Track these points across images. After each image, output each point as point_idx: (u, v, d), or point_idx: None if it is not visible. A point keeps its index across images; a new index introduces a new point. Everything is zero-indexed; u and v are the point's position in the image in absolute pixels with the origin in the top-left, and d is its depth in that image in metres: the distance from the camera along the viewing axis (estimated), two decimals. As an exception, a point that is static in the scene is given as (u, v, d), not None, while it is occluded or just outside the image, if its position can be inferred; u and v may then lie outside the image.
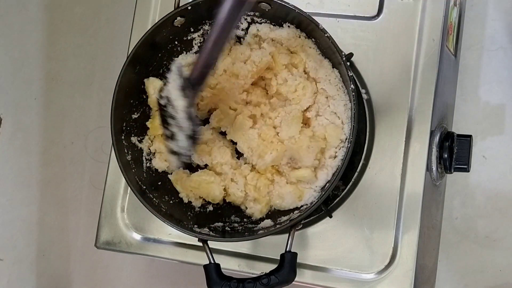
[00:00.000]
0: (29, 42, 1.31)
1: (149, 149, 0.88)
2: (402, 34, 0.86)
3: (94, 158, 1.24)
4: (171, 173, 0.88)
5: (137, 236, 0.92)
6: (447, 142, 0.86)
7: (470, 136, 0.88)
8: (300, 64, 0.85)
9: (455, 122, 1.04)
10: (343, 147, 0.82)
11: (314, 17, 0.80)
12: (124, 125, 0.86)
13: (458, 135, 0.88)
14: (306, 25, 0.83)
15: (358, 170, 0.85)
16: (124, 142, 0.85)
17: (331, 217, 0.85)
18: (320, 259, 0.85)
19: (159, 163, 0.88)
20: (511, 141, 1.04)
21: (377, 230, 0.83)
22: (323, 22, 0.80)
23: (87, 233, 1.20)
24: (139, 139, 0.88)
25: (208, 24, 0.87)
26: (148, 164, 0.88)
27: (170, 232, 0.91)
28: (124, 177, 0.82)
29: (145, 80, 0.88)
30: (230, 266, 0.88)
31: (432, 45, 0.85)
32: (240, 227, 0.85)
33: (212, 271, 0.79)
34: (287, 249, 0.78)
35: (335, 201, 0.86)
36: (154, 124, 0.88)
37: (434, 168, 0.85)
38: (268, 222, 0.84)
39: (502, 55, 1.06)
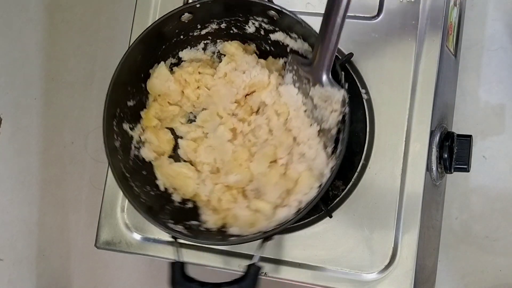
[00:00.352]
0: (29, 42, 1.31)
1: (140, 137, 0.88)
2: (402, 34, 0.86)
3: (94, 158, 1.24)
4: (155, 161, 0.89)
5: (137, 236, 0.92)
6: (447, 142, 0.86)
7: (470, 136, 0.88)
8: (283, 115, 0.85)
9: (455, 122, 1.04)
10: (315, 192, 0.81)
11: (314, 17, 0.80)
12: (118, 111, 0.85)
13: (458, 135, 0.88)
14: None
15: (358, 170, 0.85)
16: (115, 127, 0.85)
17: (331, 217, 0.85)
18: (320, 259, 0.85)
19: (147, 153, 0.88)
20: (511, 141, 1.04)
21: (377, 230, 0.83)
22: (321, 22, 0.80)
23: (87, 233, 1.20)
24: (131, 126, 0.88)
25: (215, 23, 0.87)
26: (136, 152, 0.88)
27: (170, 232, 0.91)
28: (108, 162, 0.82)
29: (156, 65, 0.88)
30: (230, 266, 0.88)
31: (432, 45, 0.85)
32: (215, 230, 0.85)
33: (178, 270, 0.80)
34: (254, 262, 0.78)
35: (335, 201, 0.86)
36: (148, 115, 0.88)
37: (434, 168, 0.85)
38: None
39: (502, 55, 1.06)
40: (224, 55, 0.91)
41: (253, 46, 0.90)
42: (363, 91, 0.86)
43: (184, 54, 0.90)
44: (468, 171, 0.88)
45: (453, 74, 1.00)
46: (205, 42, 0.90)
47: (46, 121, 1.28)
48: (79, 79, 1.28)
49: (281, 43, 0.87)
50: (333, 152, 0.81)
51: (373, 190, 0.84)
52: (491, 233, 1.03)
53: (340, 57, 0.87)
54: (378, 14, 0.88)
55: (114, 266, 1.21)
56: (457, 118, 1.05)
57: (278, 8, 0.81)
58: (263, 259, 0.87)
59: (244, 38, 0.90)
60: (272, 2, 0.82)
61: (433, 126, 0.85)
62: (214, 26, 0.88)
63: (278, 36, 0.86)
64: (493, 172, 1.04)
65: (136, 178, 0.85)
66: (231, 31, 0.88)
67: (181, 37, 0.88)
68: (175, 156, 0.91)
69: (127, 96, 0.87)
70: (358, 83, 0.87)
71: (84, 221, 1.23)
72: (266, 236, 0.79)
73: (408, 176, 0.83)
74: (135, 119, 0.88)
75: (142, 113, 0.89)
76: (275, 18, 0.83)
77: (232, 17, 0.86)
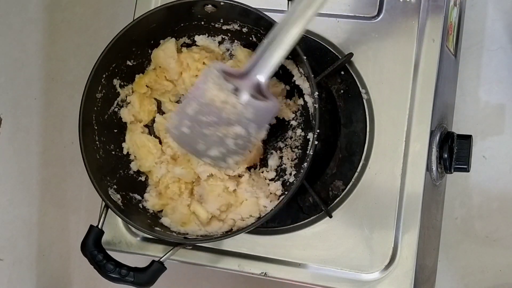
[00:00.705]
0: (29, 42, 1.31)
1: (126, 97, 0.89)
2: (402, 34, 0.86)
3: (94, 158, 1.24)
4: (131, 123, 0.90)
5: (137, 236, 0.92)
6: (447, 142, 0.86)
7: (470, 136, 0.88)
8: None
9: (455, 122, 1.04)
10: (251, 222, 0.83)
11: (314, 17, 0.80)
12: (114, 65, 0.86)
13: (458, 135, 0.88)
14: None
15: (358, 170, 0.85)
16: (103, 80, 0.86)
17: (331, 217, 0.85)
18: (320, 259, 0.85)
19: (126, 114, 0.89)
20: (511, 141, 1.04)
21: (377, 230, 0.83)
22: (323, 22, 0.80)
23: (87, 233, 1.20)
24: (122, 83, 0.89)
25: (238, 24, 0.87)
26: (116, 109, 0.89)
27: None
28: (80, 105, 0.83)
29: (168, 38, 0.89)
30: (230, 266, 0.88)
31: (432, 45, 0.85)
32: (150, 213, 0.86)
33: (92, 235, 0.81)
34: (160, 259, 0.80)
35: (335, 201, 0.86)
36: (141, 81, 0.90)
37: (434, 168, 0.85)
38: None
39: (502, 55, 1.06)
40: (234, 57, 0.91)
41: None
42: (363, 91, 0.86)
43: (200, 39, 0.90)
44: (468, 171, 0.88)
45: (453, 74, 1.00)
46: (223, 37, 0.90)
47: (46, 121, 1.28)
48: (79, 79, 1.28)
49: (288, 71, 0.87)
50: (282, 194, 0.85)
51: (373, 190, 0.84)
52: (491, 233, 1.03)
53: (340, 57, 0.87)
54: (378, 14, 0.88)
55: (114, 266, 1.21)
56: (457, 118, 1.05)
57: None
58: (263, 259, 0.87)
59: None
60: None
61: (433, 126, 0.85)
62: (236, 26, 0.88)
63: (288, 63, 0.86)
64: (493, 172, 1.04)
65: (104, 133, 0.86)
66: (250, 38, 0.88)
67: (203, 22, 0.88)
68: (151, 128, 0.92)
69: (128, 55, 0.87)
70: (358, 83, 0.87)
71: (84, 221, 1.23)
72: (185, 243, 0.82)
73: (408, 176, 0.83)
74: (128, 79, 0.89)
75: (138, 77, 0.90)
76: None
77: (255, 26, 0.86)
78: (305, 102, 0.87)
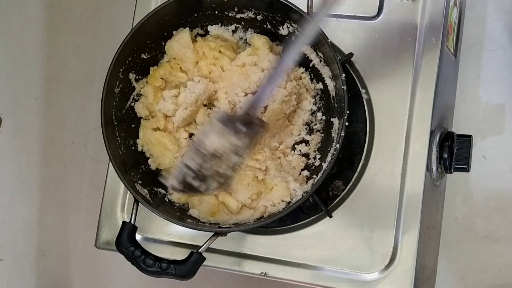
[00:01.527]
0: (29, 42, 1.31)
1: (141, 90, 0.89)
2: (402, 34, 0.86)
3: (94, 158, 1.24)
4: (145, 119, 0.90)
5: (137, 236, 0.92)
6: (447, 142, 0.86)
7: (470, 136, 0.88)
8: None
9: (455, 122, 1.04)
10: (282, 207, 0.83)
11: (314, 17, 0.80)
12: (130, 59, 0.86)
13: (458, 135, 0.88)
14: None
15: (358, 170, 0.85)
16: (120, 74, 0.85)
17: (331, 217, 0.85)
18: (320, 259, 0.85)
19: (140, 108, 0.89)
20: (511, 141, 1.04)
21: (377, 230, 0.83)
22: (323, 22, 0.80)
23: (87, 233, 1.20)
24: (137, 77, 0.88)
25: (253, 12, 0.87)
26: (131, 104, 0.89)
27: (170, 232, 0.91)
28: (101, 104, 0.83)
29: (181, 29, 0.89)
30: (230, 266, 0.88)
31: (432, 45, 0.85)
32: (176, 206, 0.86)
33: (126, 231, 0.80)
34: (199, 250, 0.79)
35: (335, 201, 0.86)
36: (156, 74, 0.89)
37: (434, 168, 0.85)
38: None
39: (502, 55, 1.06)
40: (250, 45, 0.90)
41: (280, 48, 0.89)
42: (363, 91, 0.86)
43: (213, 29, 0.90)
44: (468, 171, 0.88)
45: (453, 74, 1.00)
46: (237, 25, 0.90)
47: (46, 121, 1.28)
48: (79, 79, 1.28)
49: (306, 56, 0.86)
50: (309, 177, 0.85)
51: (373, 190, 0.84)
52: (491, 233, 1.03)
53: (340, 57, 0.87)
54: (378, 14, 0.88)
55: (114, 266, 1.21)
56: (457, 118, 1.05)
57: (314, 24, 0.79)
58: (263, 259, 0.87)
59: (274, 37, 0.89)
60: (310, 16, 0.81)
61: (433, 126, 0.85)
62: (250, 14, 0.88)
63: (306, 49, 0.85)
64: (493, 172, 1.04)
65: (123, 129, 0.86)
66: (265, 26, 0.88)
67: (216, 12, 0.88)
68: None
69: (143, 48, 0.87)
70: (358, 83, 0.87)
71: (84, 221, 1.23)
72: (221, 231, 0.80)
73: (408, 176, 0.83)
74: (143, 72, 0.89)
75: (152, 69, 0.89)
76: None
77: (271, 13, 0.86)
78: (325, 86, 0.86)
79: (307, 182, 0.84)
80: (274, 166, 0.86)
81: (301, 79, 0.88)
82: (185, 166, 0.75)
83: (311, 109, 0.87)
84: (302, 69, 0.88)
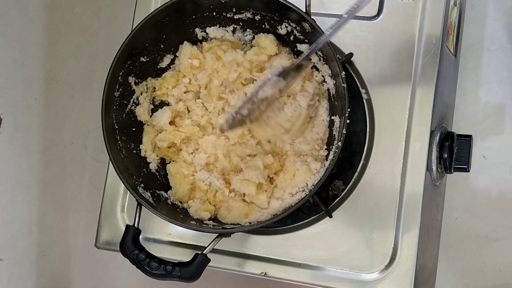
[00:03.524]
0: (29, 42, 1.31)
1: (141, 94, 0.89)
2: (402, 34, 0.86)
3: (94, 158, 1.24)
4: (147, 124, 0.90)
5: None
6: (447, 142, 0.86)
7: (470, 136, 0.88)
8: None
9: (455, 122, 1.04)
10: (306, 190, 0.83)
11: (314, 17, 0.80)
12: (129, 62, 0.86)
13: (458, 135, 0.88)
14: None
15: (358, 170, 0.85)
16: (120, 78, 0.85)
17: (331, 217, 0.85)
18: (320, 259, 0.85)
19: (141, 112, 0.89)
20: (511, 141, 1.04)
21: (377, 230, 0.83)
22: (323, 22, 0.80)
23: (87, 233, 1.20)
24: (136, 81, 0.88)
25: (251, 12, 0.87)
26: (132, 107, 0.89)
27: (170, 232, 0.91)
28: (101, 108, 0.82)
29: (180, 46, 0.90)
30: (230, 266, 0.88)
31: (432, 45, 0.85)
32: (179, 208, 0.86)
33: (130, 234, 0.80)
34: (203, 252, 0.79)
35: (335, 201, 0.86)
36: (163, 84, 0.89)
37: (434, 168, 0.85)
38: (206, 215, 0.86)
39: (502, 55, 1.06)
40: (252, 46, 0.90)
41: (287, 49, 0.90)
42: (363, 91, 0.86)
43: (212, 31, 0.90)
44: (468, 171, 0.88)
45: (453, 74, 1.00)
46: (235, 26, 0.90)
47: (46, 121, 1.28)
48: (79, 79, 1.28)
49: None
50: (327, 155, 0.84)
51: (373, 190, 0.84)
52: (491, 233, 1.03)
53: (340, 57, 0.87)
54: (378, 14, 0.88)
55: (114, 266, 1.21)
56: (457, 118, 1.05)
57: (312, 23, 0.80)
58: (263, 259, 0.87)
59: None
60: (309, 15, 0.81)
61: (433, 126, 0.85)
62: (248, 15, 0.88)
63: (305, 48, 0.85)
64: (493, 172, 1.04)
65: (124, 133, 0.86)
66: (263, 26, 0.88)
67: (214, 13, 0.88)
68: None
69: (142, 51, 0.87)
70: (358, 83, 0.87)
71: (84, 221, 1.23)
72: (225, 232, 0.80)
73: (408, 176, 0.83)
74: (143, 75, 0.89)
75: (160, 79, 0.90)
76: (307, 31, 0.83)
77: (269, 13, 0.86)
78: (326, 84, 0.86)
79: (324, 162, 0.84)
80: (292, 152, 0.86)
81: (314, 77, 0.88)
82: (236, 113, 0.79)
83: (327, 107, 0.88)
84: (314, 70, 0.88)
